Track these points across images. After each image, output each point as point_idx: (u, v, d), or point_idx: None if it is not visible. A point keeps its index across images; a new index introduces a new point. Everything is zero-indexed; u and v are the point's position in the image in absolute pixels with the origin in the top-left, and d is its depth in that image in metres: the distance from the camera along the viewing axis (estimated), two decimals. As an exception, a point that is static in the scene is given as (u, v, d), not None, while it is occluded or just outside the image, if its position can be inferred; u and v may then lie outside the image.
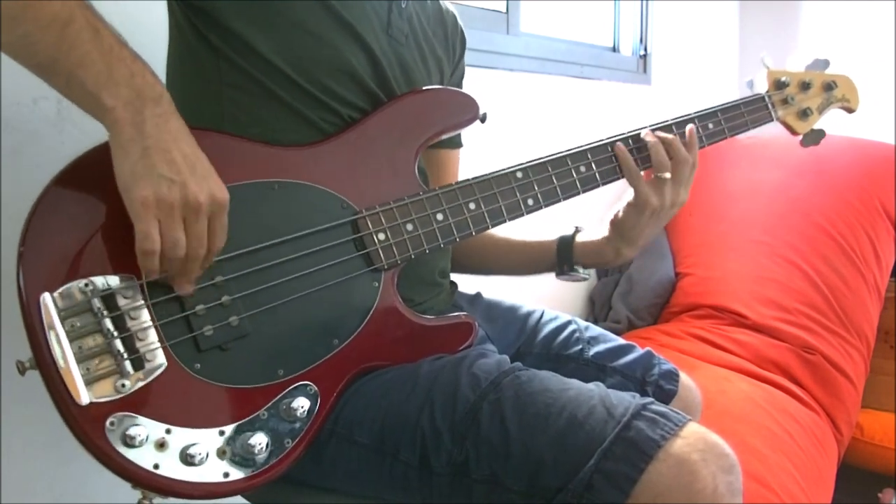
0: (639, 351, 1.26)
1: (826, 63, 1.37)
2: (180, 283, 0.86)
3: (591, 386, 0.94)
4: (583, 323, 1.30)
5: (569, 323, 1.29)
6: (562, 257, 1.26)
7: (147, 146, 0.79)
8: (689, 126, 1.18)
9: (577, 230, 1.27)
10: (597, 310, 2.64)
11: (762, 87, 1.34)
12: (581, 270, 1.26)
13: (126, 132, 0.79)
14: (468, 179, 1.07)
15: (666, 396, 1.22)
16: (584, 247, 1.25)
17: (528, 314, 1.30)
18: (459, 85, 1.32)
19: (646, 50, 2.92)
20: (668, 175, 1.14)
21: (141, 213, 0.79)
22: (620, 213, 1.18)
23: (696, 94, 3.09)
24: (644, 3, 2.90)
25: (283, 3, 0.99)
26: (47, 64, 0.80)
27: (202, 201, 0.81)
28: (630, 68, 2.89)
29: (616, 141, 1.16)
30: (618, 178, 1.16)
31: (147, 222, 0.79)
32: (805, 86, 1.34)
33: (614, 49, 2.95)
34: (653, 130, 1.17)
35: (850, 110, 1.41)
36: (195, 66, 1.02)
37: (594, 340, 1.27)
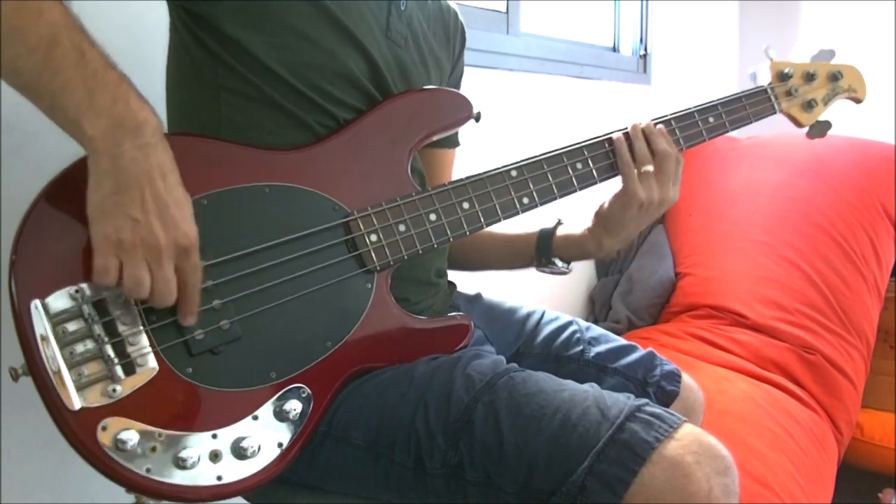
0: (640, 352, 1.26)
1: (831, 53, 1.35)
2: (184, 319, 0.86)
3: (586, 387, 0.93)
4: (584, 323, 1.30)
5: (570, 324, 1.29)
6: (541, 249, 1.26)
7: (119, 182, 0.79)
8: (659, 126, 1.18)
9: (559, 222, 1.27)
10: (597, 310, 2.63)
11: (765, 78, 1.32)
12: (559, 263, 1.25)
13: (103, 164, 0.79)
14: (462, 179, 1.07)
15: (668, 397, 1.22)
16: (565, 239, 1.25)
17: (529, 315, 1.30)
18: (458, 84, 1.32)
19: (646, 50, 2.92)
20: (650, 168, 1.13)
21: (101, 248, 0.79)
22: (606, 205, 1.18)
23: (696, 94, 3.08)
24: (644, 3, 2.90)
25: (280, 8, 0.99)
26: (31, 87, 0.80)
27: (163, 245, 0.80)
28: (630, 68, 2.89)
29: (613, 135, 1.16)
30: (616, 175, 1.16)
31: (105, 257, 0.79)
32: (809, 77, 1.33)
33: (614, 49, 2.94)
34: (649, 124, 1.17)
35: (857, 100, 1.39)
36: (193, 69, 1.02)
37: (595, 341, 1.26)
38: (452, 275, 1.28)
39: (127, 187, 0.79)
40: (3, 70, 0.79)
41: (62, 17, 0.80)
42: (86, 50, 0.80)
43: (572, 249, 1.25)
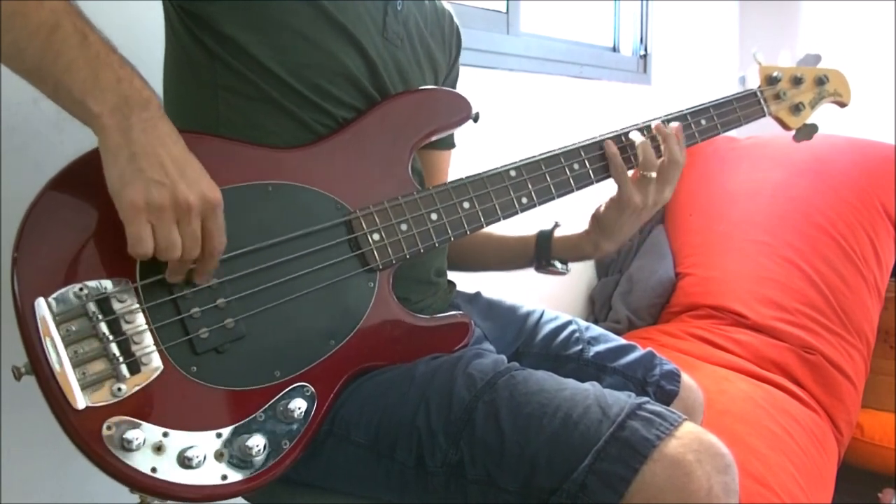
0: (640, 351, 1.26)
1: (817, 58, 1.37)
2: (200, 278, 0.87)
3: (587, 386, 0.94)
4: (583, 323, 1.30)
5: (569, 323, 1.29)
6: (540, 251, 1.27)
7: (135, 151, 0.79)
8: (675, 124, 1.18)
9: (556, 225, 1.27)
10: (597, 310, 2.64)
11: (754, 82, 1.34)
12: (559, 265, 1.26)
13: (113, 138, 0.79)
14: (462, 178, 1.08)
15: (667, 397, 1.22)
16: (562, 241, 1.25)
17: (528, 314, 1.30)
18: (454, 85, 1.32)
19: (646, 50, 2.92)
20: (653, 174, 1.14)
21: (131, 216, 0.79)
22: (602, 208, 1.19)
23: (696, 95, 3.08)
24: (644, 3, 2.90)
25: (278, 8, 0.99)
26: (34, 70, 0.80)
27: (192, 202, 0.81)
28: (630, 68, 2.89)
29: (607, 139, 1.16)
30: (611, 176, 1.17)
31: (138, 225, 0.79)
32: (797, 80, 1.35)
33: (614, 49, 2.95)
34: (643, 128, 1.18)
35: (842, 104, 1.41)
36: (191, 68, 1.02)
37: (594, 340, 1.27)
38: (452, 274, 1.28)
39: (144, 154, 0.79)
40: (5, 55, 0.80)
41: (63, 2, 0.80)
42: (88, 33, 0.80)
43: (570, 251, 1.25)
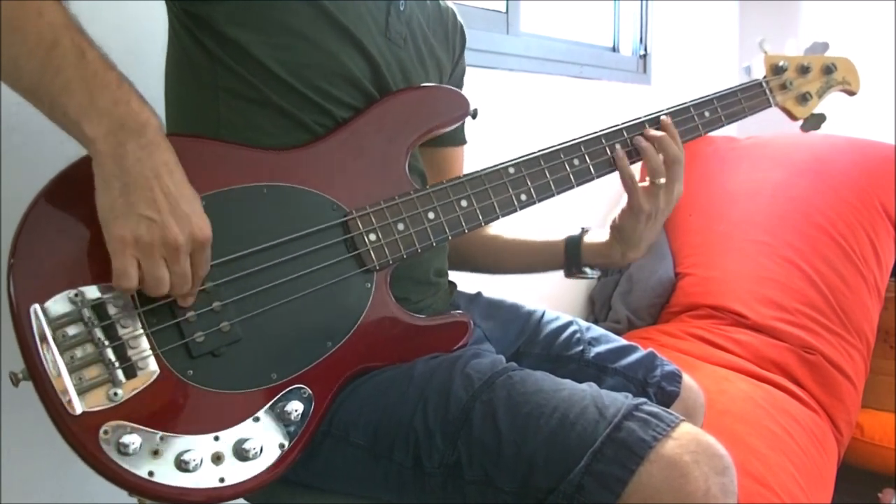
0: (641, 352, 1.25)
1: (825, 46, 1.35)
2: (184, 301, 0.87)
3: (585, 386, 0.93)
4: (584, 323, 1.30)
5: (570, 323, 1.29)
6: (570, 258, 1.26)
7: (127, 182, 0.79)
8: (663, 117, 1.18)
9: (583, 231, 1.26)
10: (597, 310, 2.63)
11: (759, 72, 1.32)
12: (589, 271, 1.26)
13: (107, 166, 0.79)
14: (459, 177, 1.07)
15: (668, 398, 1.22)
16: (591, 248, 1.25)
17: (530, 314, 1.30)
18: (460, 83, 1.32)
19: (646, 50, 2.92)
20: (663, 180, 1.14)
21: (118, 251, 0.79)
22: (618, 220, 1.19)
23: (696, 95, 3.08)
24: (644, 3, 2.90)
25: (279, 9, 0.99)
26: (32, 89, 0.80)
27: (181, 242, 0.81)
28: (630, 68, 2.89)
29: (614, 143, 1.16)
30: (612, 171, 1.16)
31: (124, 261, 0.79)
32: (804, 69, 1.32)
33: (614, 49, 2.95)
34: (646, 122, 1.18)
35: (851, 93, 1.38)
36: (192, 69, 1.02)
37: (595, 341, 1.26)
38: (453, 274, 1.28)
39: (136, 187, 0.79)
40: (4, 73, 0.79)
41: (62, 17, 0.80)
42: (86, 50, 0.80)
43: (600, 259, 1.25)
